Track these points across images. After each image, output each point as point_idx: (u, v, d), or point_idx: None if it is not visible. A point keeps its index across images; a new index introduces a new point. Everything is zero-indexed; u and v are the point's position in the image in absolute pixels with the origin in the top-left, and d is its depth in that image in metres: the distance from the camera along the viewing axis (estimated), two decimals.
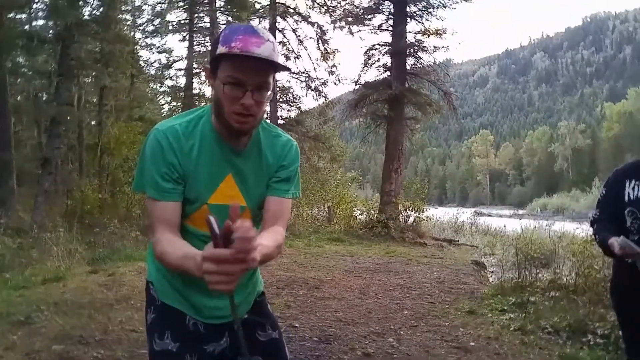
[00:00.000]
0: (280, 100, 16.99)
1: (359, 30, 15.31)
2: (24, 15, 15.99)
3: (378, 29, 15.08)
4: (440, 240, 12.77)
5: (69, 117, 13.45)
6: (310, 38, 17.25)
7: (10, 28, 13.29)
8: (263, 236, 1.25)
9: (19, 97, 16.56)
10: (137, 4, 17.42)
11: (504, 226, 15.66)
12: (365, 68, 15.07)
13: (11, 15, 14.35)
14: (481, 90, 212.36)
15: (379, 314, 4.89)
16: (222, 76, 1.25)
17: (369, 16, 15.17)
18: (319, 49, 17.04)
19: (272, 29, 16.31)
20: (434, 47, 14.44)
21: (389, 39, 14.76)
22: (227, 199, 1.33)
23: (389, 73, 14.64)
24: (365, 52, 15.02)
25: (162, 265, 1.37)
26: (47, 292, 5.59)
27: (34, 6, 15.72)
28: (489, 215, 33.20)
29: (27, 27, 15.71)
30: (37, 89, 16.57)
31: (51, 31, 14.51)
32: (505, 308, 5.01)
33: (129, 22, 17.87)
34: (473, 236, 15.62)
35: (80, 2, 13.19)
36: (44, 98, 16.56)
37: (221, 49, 1.22)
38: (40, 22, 16.35)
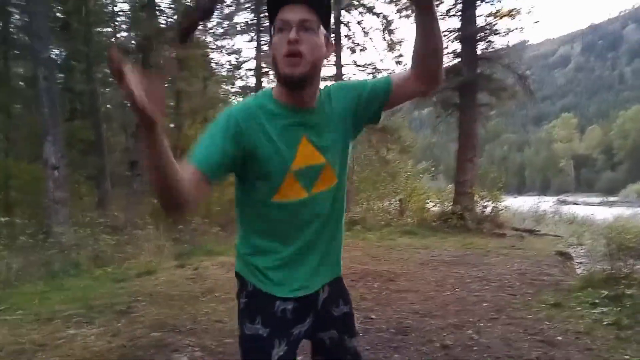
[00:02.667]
0: None
1: None
2: (109, 29, 17.20)
3: (446, 15, 14.64)
4: (520, 230, 12.28)
5: None
6: (376, 29, 17.07)
7: (98, 42, 14.33)
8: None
9: (108, 105, 17.78)
10: None
11: (592, 214, 14.76)
12: None
13: (98, 29, 15.47)
14: (562, 71, 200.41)
15: (456, 306, 4.83)
16: (274, 22, 1.32)
17: (436, 2, 14.79)
18: (385, 40, 16.84)
19: (337, 23, 16.33)
20: (507, 29, 13.88)
21: (458, 25, 14.33)
22: (308, 160, 1.38)
23: (459, 59, 14.23)
24: None
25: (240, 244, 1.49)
26: (142, 285, 6.05)
27: (117, 19, 16.86)
28: (575, 204, 31.37)
29: (112, 39, 16.87)
30: (124, 97, 17.67)
31: (133, 42, 15.48)
32: (597, 301, 4.70)
33: (200, 27, 18.55)
34: (557, 226, 14.90)
35: (157, 12, 13.91)
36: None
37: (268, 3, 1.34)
38: (124, 33, 17.51)
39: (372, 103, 1.47)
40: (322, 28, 1.34)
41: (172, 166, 1.17)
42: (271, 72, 18.37)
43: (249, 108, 1.37)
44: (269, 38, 1.37)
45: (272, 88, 1.41)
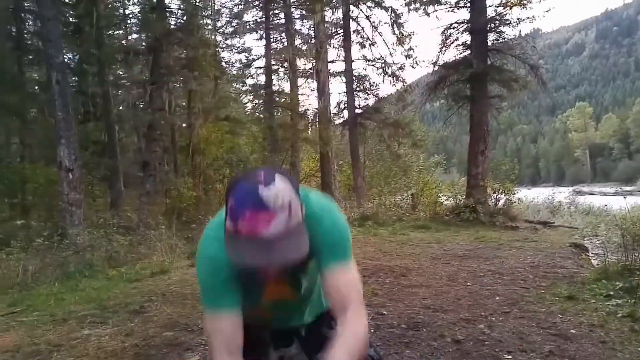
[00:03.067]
0: (357, 89, 16.98)
1: (435, 10, 14.87)
2: (120, 32, 17.34)
3: (455, 7, 14.54)
4: (533, 222, 12.17)
5: (162, 122, 14.37)
6: (385, 23, 17.07)
7: (109, 45, 14.46)
8: (336, 353, 1.17)
9: (120, 107, 17.94)
10: (216, 7, 18.13)
11: (605, 205, 14.55)
12: (444, 48, 14.63)
13: (110, 32, 15.60)
14: (576, 59, 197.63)
15: (468, 301, 4.80)
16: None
17: None
18: (394, 34, 16.81)
19: (346, 18, 16.30)
20: (518, 19, 13.72)
21: (467, 16, 14.20)
22: (276, 296, 1.39)
23: (469, 51, 14.10)
24: (443, 32, 14.56)
25: None
26: (156, 284, 6.14)
27: (129, 21, 16.99)
28: (591, 194, 30.94)
29: (123, 41, 17.00)
30: (135, 98, 17.84)
31: (143, 43, 15.60)
32: (611, 293, 4.66)
33: (209, 27, 18.64)
34: (572, 217, 14.74)
35: (167, 14, 13.99)
36: (141, 106, 17.82)
37: (228, 224, 1.14)
38: (135, 35, 17.63)
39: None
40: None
41: None
42: (281, 70, 18.45)
43: (218, 261, 1.26)
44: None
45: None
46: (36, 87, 14.89)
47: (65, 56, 11.98)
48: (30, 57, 14.22)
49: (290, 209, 1.12)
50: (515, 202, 13.03)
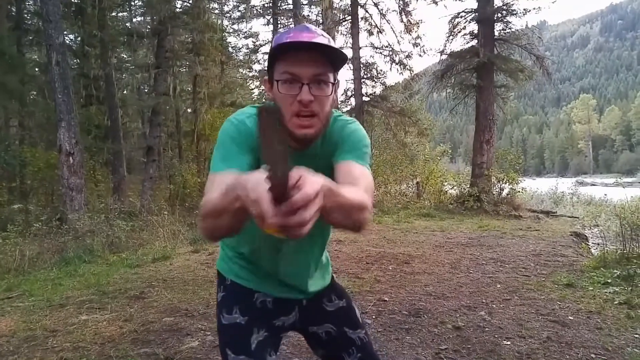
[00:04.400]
0: (364, 76, 16.83)
1: None
2: (125, 14, 17.21)
3: None
4: (537, 212, 12.16)
5: (167, 107, 14.30)
6: (393, 11, 16.96)
7: (113, 27, 14.34)
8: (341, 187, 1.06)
9: (124, 91, 17.87)
10: None
11: (605, 195, 14.51)
12: (451, 37, 14.51)
13: (113, 14, 15.47)
14: (581, 52, 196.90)
15: (470, 288, 4.78)
16: (280, 73, 1.16)
17: None
18: (402, 22, 16.61)
19: (354, 5, 16.13)
20: (524, 9, 13.58)
21: (475, 5, 14.06)
22: None
23: (476, 41, 13.99)
24: (450, 21, 14.45)
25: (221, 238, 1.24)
26: (157, 270, 6.11)
27: (133, 3, 16.84)
28: (593, 185, 30.89)
29: (128, 24, 16.87)
30: (139, 82, 17.77)
31: (148, 26, 15.49)
32: (609, 281, 4.72)
33: (216, 11, 18.51)
34: (574, 207, 14.70)
35: None
36: (145, 90, 17.74)
37: (273, 45, 1.16)
38: (139, 18, 17.50)
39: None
40: (333, 74, 1.20)
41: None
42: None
43: (248, 124, 1.24)
44: (270, 78, 1.21)
45: None
46: (36, 69, 14.79)
47: (66, 37, 11.88)
48: (30, 37, 14.12)
49: (329, 40, 1.16)
50: (519, 191, 12.99)
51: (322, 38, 1.14)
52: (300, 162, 1.15)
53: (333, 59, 1.17)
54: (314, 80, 1.14)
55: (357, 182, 1.16)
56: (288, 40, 1.11)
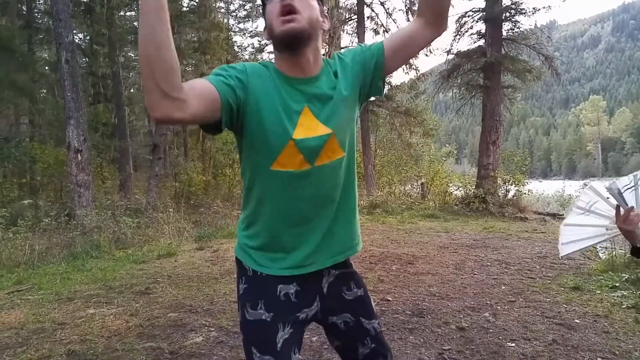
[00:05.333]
0: None
1: None
2: (132, 13, 17.28)
3: None
4: (542, 214, 12.10)
5: None
6: (399, 10, 17.08)
7: (121, 26, 14.43)
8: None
9: (131, 89, 17.97)
10: None
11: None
12: (458, 37, 14.47)
13: (121, 13, 15.58)
14: (591, 52, 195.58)
15: (474, 289, 4.78)
16: (266, 3, 1.30)
17: None
18: (409, 21, 16.56)
19: (360, 4, 16.14)
20: (533, 8, 13.51)
21: (483, 4, 14.02)
22: (311, 131, 1.30)
23: (483, 40, 13.95)
24: (457, 20, 14.41)
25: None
26: (162, 266, 6.17)
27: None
28: None
29: (135, 23, 16.95)
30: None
31: None
32: (617, 285, 4.68)
33: (222, 10, 18.57)
34: None
35: None
36: None
37: None
38: None
39: (375, 68, 1.39)
40: None
41: (169, 34, 1.06)
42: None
43: (258, 68, 1.32)
44: (262, 14, 1.33)
45: (274, 62, 1.35)
46: (46, 67, 14.91)
47: (75, 36, 11.97)
48: (41, 36, 14.24)
49: None
50: (525, 193, 12.94)
51: None
52: (314, 89, 1.33)
53: None
54: None
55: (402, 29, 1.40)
56: None
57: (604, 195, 1.70)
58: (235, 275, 1.51)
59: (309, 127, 1.30)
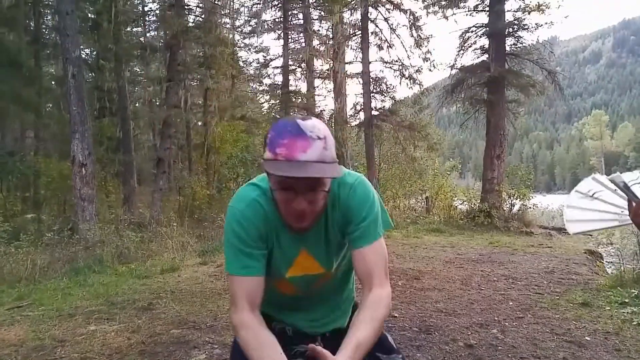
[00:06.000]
0: (374, 91, 16.83)
1: (454, 14, 14.81)
2: (139, 29, 17.52)
3: (474, 10, 14.47)
4: (548, 228, 12.02)
5: (178, 119, 14.41)
6: (403, 26, 16.90)
7: (127, 41, 14.58)
8: (359, 325, 1.22)
9: (137, 104, 18.08)
10: (235, 6, 18.21)
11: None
12: (461, 52, 14.56)
13: (128, 29, 15.75)
14: (593, 67, 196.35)
15: (481, 305, 4.71)
16: (272, 181, 1.22)
17: None
18: (412, 36, 16.65)
19: (364, 20, 16.22)
20: (536, 24, 13.60)
21: (486, 20, 14.10)
22: (306, 270, 1.36)
23: (486, 55, 14.01)
24: (461, 36, 14.50)
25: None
26: (165, 281, 6.11)
27: (147, 18, 17.14)
28: None
29: (141, 38, 17.15)
30: (151, 95, 17.96)
31: (161, 40, 15.70)
32: (627, 301, 4.59)
33: (228, 25, 18.72)
34: None
35: (185, 11, 14.06)
36: (157, 103, 17.94)
37: (267, 154, 1.17)
38: (153, 33, 17.78)
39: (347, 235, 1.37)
40: (331, 174, 1.19)
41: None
42: (298, 70, 18.44)
43: (260, 206, 1.30)
44: (267, 170, 1.20)
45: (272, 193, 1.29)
46: (52, 82, 15.03)
47: (82, 51, 12.08)
48: (48, 51, 14.38)
49: (326, 141, 1.17)
50: (530, 207, 12.86)
51: (317, 143, 1.15)
52: (306, 238, 1.33)
53: (328, 164, 1.18)
54: (309, 189, 1.18)
55: (374, 272, 1.31)
56: (282, 157, 1.13)
57: (611, 187, 1.67)
58: None
59: (304, 267, 1.36)
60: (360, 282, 1.35)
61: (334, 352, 1.34)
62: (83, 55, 13.19)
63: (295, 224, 1.25)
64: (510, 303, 4.79)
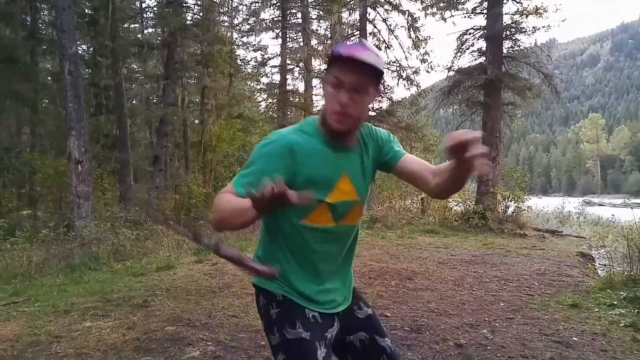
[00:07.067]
0: None
1: (452, 16, 14.89)
2: (137, 25, 17.46)
3: (472, 13, 14.51)
4: (542, 231, 12.08)
5: (175, 117, 14.41)
6: (401, 27, 17.05)
7: (124, 38, 14.54)
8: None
9: (134, 101, 18.04)
10: (233, 4, 18.22)
11: (612, 216, 14.44)
12: (459, 54, 14.59)
13: (125, 25, 15.70)
14: (590, 71, 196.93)
15: (473, 306, 4.76)
16: (327, 78, 1.38)
17: (462, 0, 14.66)
18: (410, 37, 16.74)
19: (363, 20, 16.28)
20: (534, 27, 13.65)
21: (484, 22, 14.15)
22: (344, 195, 1.47)
23: (484, 58, 14.04)
24: (459, 38, 14.54)
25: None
26: (160, 279, 6.14)
27: (145, 15, 17.09)
28: (601, 205, 30.74)
29: (139, 35, 17.10)
30: (148, 93, 17.94)
31: (159, 38, 15.69)
32: (615, 303, 4.66)
33: (226, 24, 18.72)
34: (581, 227, 14.60)
35: (183, 9, 14.04)
36: (154, 100, 17.92)
37: (330, 53, 1.37)
38: (150, 30, 17.74)
39: (382, 163, 1.58)
40: (374, 87, 1.39)
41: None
42: (296, 69, 18.47)
43: (299, 138, 1.42)
44: (324, 78, 1.42)
45: (317, 120, 1.47)
46: (48, 78, 14.99)
47: (79, 47, 12.05)
48: (44, 47, 14.33)
49: (380, 57, 1.37)
50: (524, 210, 12.93)
51: (373, 55, 1.32)
52: (351, 158, 1.49)
53: (375, 74, 1.36)
54: (354, 88, 1.33)
55: (424, 164, 1.55)
56: (341, 52, 1.33)
57: None
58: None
59: (343, 192, 1.47)
60: (419, 181, 1.53)
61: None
62: (80, 52, 13.16)
63: (334, 122, 1.38)
64: (501, 304, 4.85)
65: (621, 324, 4.05)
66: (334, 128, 1.39)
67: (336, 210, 1.46)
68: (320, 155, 1.41)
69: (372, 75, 1.35)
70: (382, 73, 1.39)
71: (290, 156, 1.37)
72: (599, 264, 7.93)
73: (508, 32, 13.88)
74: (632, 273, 5.45)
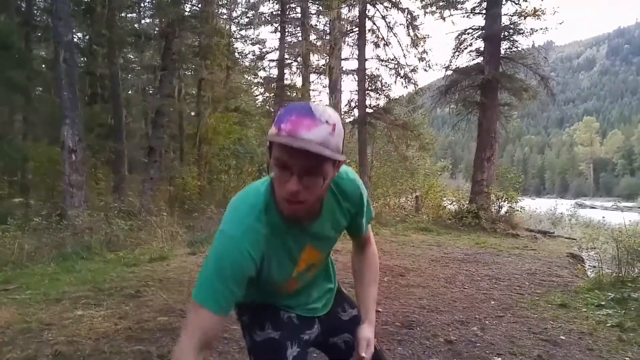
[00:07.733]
0: (369, 88, 16.88)
1: (451, 15, 14.89)
2: (134, 15, 17.31)
3: (471, 13, 14.55)
4: (534, 231, 12.18)
5: (171, 109, 14.33)
6: (400, 24, 16.96)
7: (121, 27, 14.42)
8: (368, 287, 1.61)
9: (129, 91, 17.93)
10: None
11: (603, 218, 14.58)
12: (457, 53, 14.64)
13: (122, 14, 15.57)
14: (586, 74, 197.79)
15: (464, 303, 4.80)
16: (272, 157, 1.14)
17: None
18: (409, 35, 16.69)
19: (362, 17, 16.24)
20: (531, 29, 13.71)
21: (482, 23, 14.19)
22: (308, 261, 1.41)
23: (481, 58, 14.10)
24: (457, 37, 14.57)
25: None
26: (153, 270, 6.13)
27: (143, 5, 16.97)
28: (592, 207, 30.98)
29: (136, 25, 16.96)
30: (145, 83, 17.84)
31: (156, 28, 15.58)
32: (603, 303, 4.73)
33: (224, 16, 18.63)
34: (572, 229, 14.72)
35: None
36: (150, 91, 17.81)
37: (272, 130, 1.12)
38: (148, 20, 17.60)
39: (350, 226, 1.49)
40: (331, 164, 1.15)
41: None
42: (294, 64, 18.43)
43: (256, 233, 1.24)
44: (271, 153, 1.17)
45: (271, 191, 1.27)
46: (43, 65, 14.85)
47: (74, 35, 11.96)
48: (39, 34, 14.19)
49: (334, 128, 1.11)
50: (517, 210, 13.01)
51: (323, 127, 1.08)
52: (315, 228, 1.34)
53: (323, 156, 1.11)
54: (304, 171, 1.11)
55: (369, 241, 1.65)
56: (284, 132, 1.07)
57: None
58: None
59: (307, 259, 1.41)
60: (359, 246, 1.65)
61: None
62: (75, 40, 13.06)
63: (285, 207, 1.19)
64: (492, 302, 4.89)
65: (608, 324, 4.11)
66: (287, 214, 1.22)
67: (301, 276, 1.43)
68: (281, 235, 1.28)
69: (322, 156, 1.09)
70: (339, 151, 1.14)
71: (251, 261, 1.22)
72: (589, 265, 8.02)
73: (506, 33, 13.94)
74: (620, 275, 5.53)
